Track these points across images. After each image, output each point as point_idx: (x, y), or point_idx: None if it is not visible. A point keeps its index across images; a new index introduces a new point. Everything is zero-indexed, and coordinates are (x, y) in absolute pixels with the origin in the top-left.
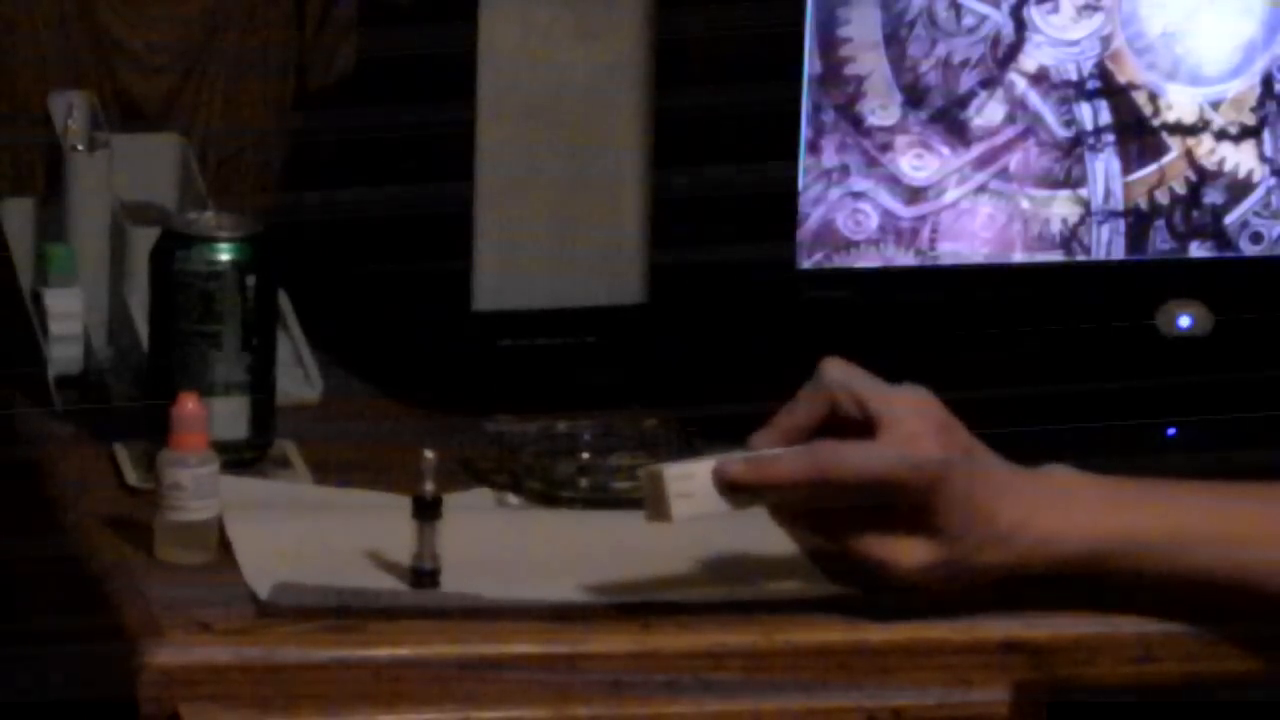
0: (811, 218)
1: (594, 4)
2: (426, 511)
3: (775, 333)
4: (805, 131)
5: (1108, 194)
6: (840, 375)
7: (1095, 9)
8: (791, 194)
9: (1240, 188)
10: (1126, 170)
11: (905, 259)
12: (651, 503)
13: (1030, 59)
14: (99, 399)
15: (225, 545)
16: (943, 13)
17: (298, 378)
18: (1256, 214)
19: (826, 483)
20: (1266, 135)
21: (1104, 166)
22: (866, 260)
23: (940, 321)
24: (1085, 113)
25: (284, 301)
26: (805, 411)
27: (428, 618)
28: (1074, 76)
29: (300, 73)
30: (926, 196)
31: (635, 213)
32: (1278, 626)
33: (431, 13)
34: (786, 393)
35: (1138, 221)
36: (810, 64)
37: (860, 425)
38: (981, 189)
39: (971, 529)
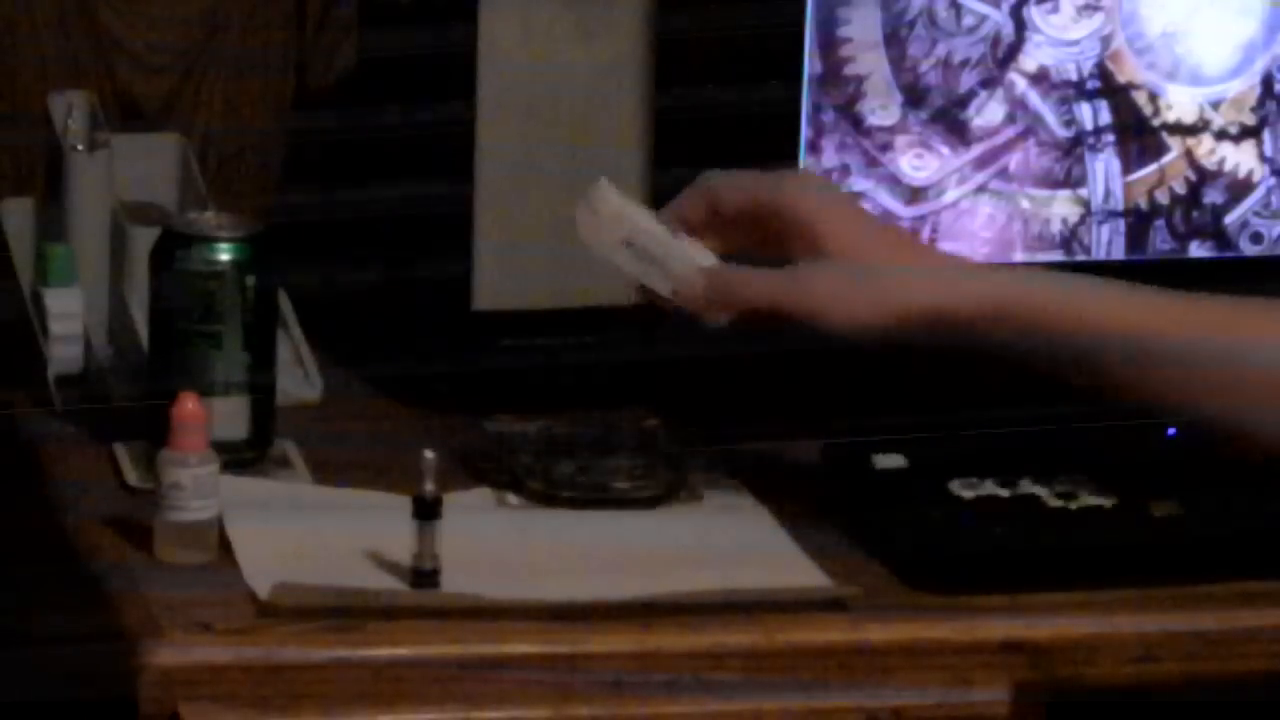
0: None
1: (594, 4)
2: (426, 511)
3: (775, 332)
4: (805, 131)
5: (1108, 194)
6: (721, 177)
7: (1095, 9)
8: None
9: (1240, 188)
10: (1126, 170)
11: None
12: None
13: (1030, 59)
14: (99, 399)
15: (225, 545)
16: (943, 13)
17: (298, 378)
18: (1256, 214)
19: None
20: (1266, 135)
21: (1104, 166)
22: None
23: None
24: (1085, 113)
25: (284, 301)
26: (686, 206)
27: (428, 618)
28: (1074, 76)
29: (300, 73)
30: (926, 196)
31: None
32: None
33: (431, 13)
34: (786, 392)
35: (1138, 221)
36: (810, 64)
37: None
38: (981, 189)
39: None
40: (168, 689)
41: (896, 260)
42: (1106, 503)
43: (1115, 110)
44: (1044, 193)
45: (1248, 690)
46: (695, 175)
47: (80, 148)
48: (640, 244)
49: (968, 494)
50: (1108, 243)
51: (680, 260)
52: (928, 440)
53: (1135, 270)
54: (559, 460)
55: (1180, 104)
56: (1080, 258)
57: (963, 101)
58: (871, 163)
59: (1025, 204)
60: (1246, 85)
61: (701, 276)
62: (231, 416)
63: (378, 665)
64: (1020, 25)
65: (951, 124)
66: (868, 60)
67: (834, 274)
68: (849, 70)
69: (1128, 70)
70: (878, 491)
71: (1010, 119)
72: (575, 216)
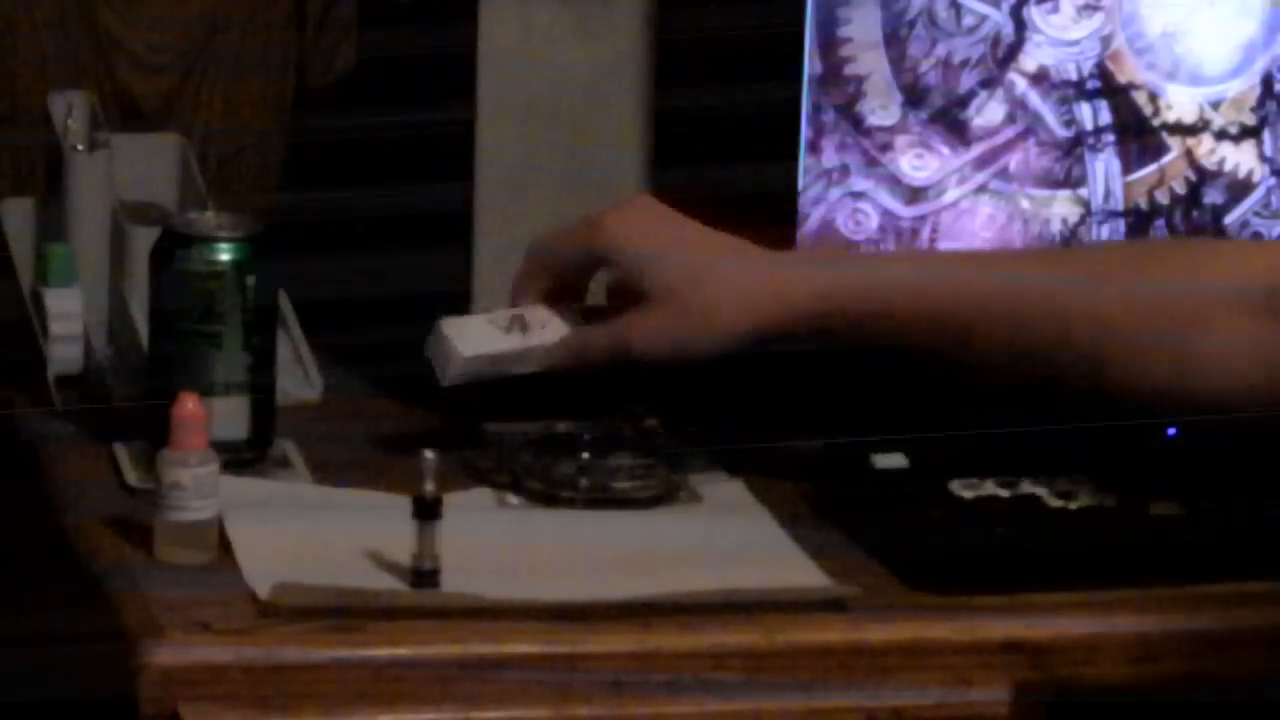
0: (812, 218)
1: (594, 4)
2: (426, 511)
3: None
4: (805, 131)
5: (1108, 194)
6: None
7: (1095, 9)
8: (791, 194)
9: (1240, 187)
10: (1126, 170)
11: None
12: (437, 356)
13: (1030, 59)
14: (99, 399)
15: (225, 545)
16: (943, 13)
17: (298, 378)
18: (1256, 214)
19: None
20: (1266, 135)
21: (1104, 166)
22: None
23: None
24: (1085, 113)
25: (284, 301)
26: (528, 285)
27: (428, 618)
28: (1074, 76)
29: (300, 73)
30: (926, 196)
31: None
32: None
33: (431, 13)
34: (786, 392)
35: (1138, 221)
36: (810, 64)
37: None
38: (981, 189)
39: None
40: (168, 689)
41: (721, 272)
42: (1106, 503)
43: (1115, 110)
44: (1044, 193)
45: (1248, 690)
46: (695, 175)
47: (80, 148)
48: (495, 354)
49: (968, 494)
50: None
51: (536, 346)
52: (928, 440)
53: None
54: (559, 460)
55: (1180, 104)
56: None
57: (963, 101)
58: (871, 163)
59: (1025, 204)
60: (1246, 85)
61: (556, 352)
62: (231, 416)
63: (378, 665)
64: (1020, 25)
65: (951, 124)
66: (868, 60)
67: (655, 314)
68: (849, 70)
69: (1128, 70)
70: (878, 491)
71: (1010, 119)
72: (431, 358)
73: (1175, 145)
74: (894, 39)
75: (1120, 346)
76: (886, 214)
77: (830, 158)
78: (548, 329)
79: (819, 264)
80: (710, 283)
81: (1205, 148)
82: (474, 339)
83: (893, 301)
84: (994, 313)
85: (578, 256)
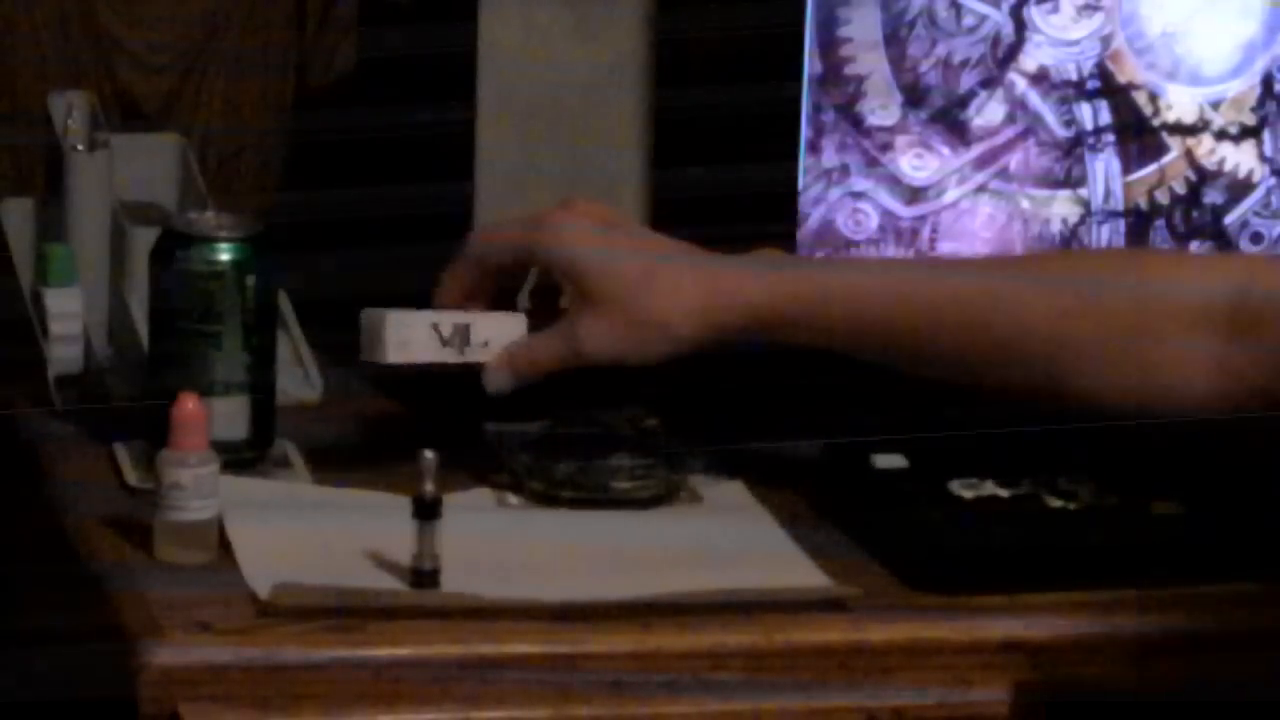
0: (812, 218)
1: (594, 4)
2: (426, 511)
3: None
4: (805, 131)
5: (1108, 194)
6: (480, 245)
7: (1095, 9)
8: (791, 194)
9: (1240, 188)
10: (1126, 170)
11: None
12: (368, 344)
13: (1030, 59)
14: (99, 399)
15: (225, 545)
16: (943, 13)
17: (298, 378)
18: (1256, 214)
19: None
20: (1266, 135)
21: (1104, 166)
22: None
23: None
24: (1085, 113)
25: (284, 301)
26: (458, 289)
27: (428, 618)
28: (1074, 76)
29: (300, 73)
30: (926, 196)
31: (635, 213)
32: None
33: (431, 13)
34: (786, 391)
35: (1138, 221)
36: (810, 64)
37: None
38: (981, 189)
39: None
40: (168, 689)
41: (668, 274)
42: (1106, 503)
43: (1115, 110)
44: (1044, 193)
45: (1248, 690)
46: (695, 176)
47: (80, 148)
48: (424, 364)
49: (968, 494)
50: (1108, 243)
51: (473, 363)
52: (928, 440)
53: None
54: (559, 460)
55: (1180, 104)
56: None
57: (963, 101)
58: (871, 163)
59: (1025, 204)
60: (1246, 85)
61: (499, 362)
62: (231, 416)
63: (378, 665)
64: (1020, 25)
65: (951, 124)
66: (868, 60)
67: (604, 318)
68: (849, 70)
69: (1128, 70)
70: (878, 491)
71: (1010, 119)
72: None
73: (1175, 145)
74: (894, 39)
75: (1077, 356)
76: (886, 214)
77: (830, 158)
78: (490, 347)
79: (767, 265)
80: (658, 286)
81: (1205, 148)
82: (410, 341)
83: (833, 304)
84: (945, 322)
85: (516, 257)
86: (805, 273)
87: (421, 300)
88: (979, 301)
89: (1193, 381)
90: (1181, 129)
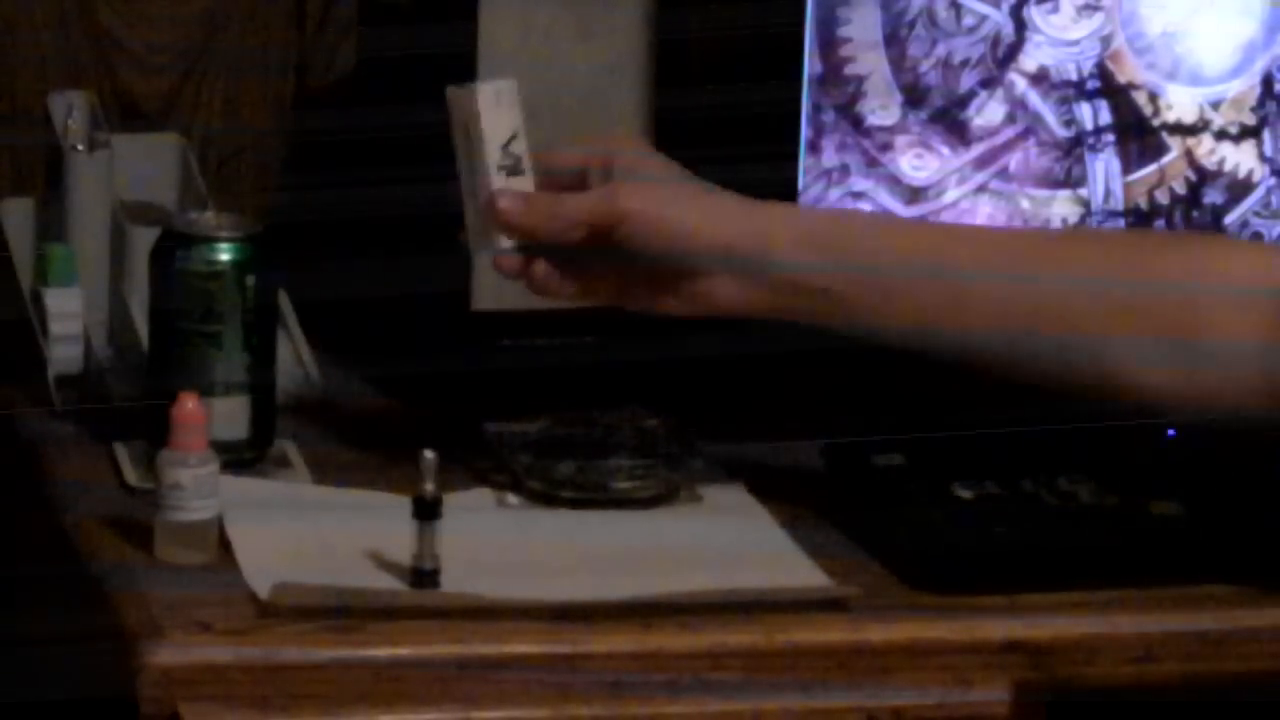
0: None
1: (594, 4)
2: (426, 511)
3: (775, 331)
4: (805, 131)
5: (1108, 194)
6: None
7: (1095, 9)
8: (791, 194)
9: (1240, 187)
10: (1126, 170)
11: None
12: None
13: (1030, 59)
14: (99, 399)
15: (225, 545)
16: (943, 13)
17: (298, 378)
18: (1256, 214)
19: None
20: (1266, 135)
21: (1104, 166)
22: None
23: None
24: (1085, 113)
25: (284, 301)
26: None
27: (428, 618)
28: (1074, 76)
29: (300, 73)
30: (926, 196)
31: None
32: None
33: (431, 13)
34: (786, 391)
35: (1138, 221)
36: (810, 64)
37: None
38: (981, 189)
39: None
40: (168, 689)
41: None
42: (1106, 503)
43: (1115, 110)
44: (1044, 193)
45: (1248, 690)
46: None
47: (80, 148)
48: (512, 151)
49: (968, 494)
50: None
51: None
52: (928, 440)
53: None
54: (559, 460)
55: (1180, 104)
56: None
57: (963, 101)
58: (871, 163)
59: (1025, 204)
60: (1246, 85)
61: (521, 199)
62: (231, 416)
63: (378, 665)
64: (1020, 25)
65: (951, 124)
66: (868, 60)
67: (649, 186)
68: (849, 70)
69: (1128, 70)
70: (878, 491)
71: (1010, 119)
72: (474, 93)
73: (1175, 145)
74: (894, 39)
75: (1123, 345)
76: (887, 214)
77: (830, 158)
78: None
79: (815, 210)
80: (728, 215)
81: (1205, 148)
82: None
83: (882, 243)
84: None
85: (593, 232)
86: (853, 221)
87: (424, 301)
88: (1028, 290)
89: (1236, 376)
90: (1181, 129)
